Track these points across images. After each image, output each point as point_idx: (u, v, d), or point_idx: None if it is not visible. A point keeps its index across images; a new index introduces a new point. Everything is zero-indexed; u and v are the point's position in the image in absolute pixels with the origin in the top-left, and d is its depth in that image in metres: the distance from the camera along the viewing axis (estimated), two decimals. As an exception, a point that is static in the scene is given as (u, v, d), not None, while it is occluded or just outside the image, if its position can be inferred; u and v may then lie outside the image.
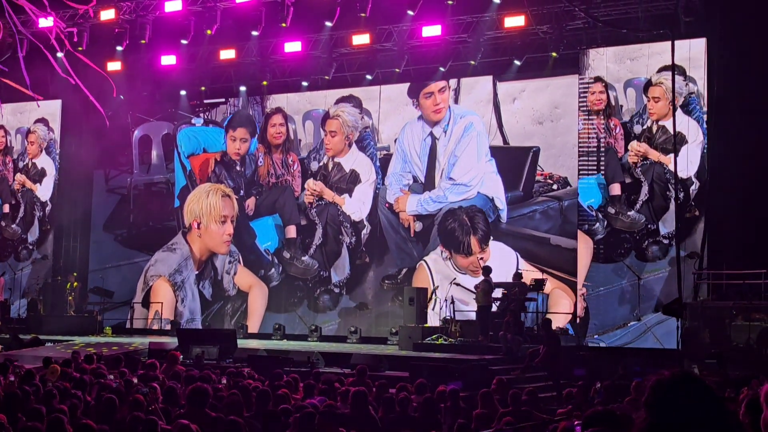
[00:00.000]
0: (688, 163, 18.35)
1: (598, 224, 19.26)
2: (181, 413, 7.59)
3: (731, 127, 17.81)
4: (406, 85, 22.31)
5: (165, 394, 9.02)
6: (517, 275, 18.39)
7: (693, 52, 18.40)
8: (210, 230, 24.00)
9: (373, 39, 21.25)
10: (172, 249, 24.48)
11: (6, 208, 26.45)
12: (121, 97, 23.15)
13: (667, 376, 2.81)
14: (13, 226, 26.29)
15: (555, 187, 20.36)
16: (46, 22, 18.82)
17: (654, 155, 19.00)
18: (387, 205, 22.23)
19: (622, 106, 19.46)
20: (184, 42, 21.98)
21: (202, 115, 24.91)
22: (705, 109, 18.43)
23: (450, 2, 19.33)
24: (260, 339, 21.61)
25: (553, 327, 16.98)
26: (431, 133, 21.81)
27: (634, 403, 8.18)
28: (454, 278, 20.45)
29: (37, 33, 18.74)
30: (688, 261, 17.86)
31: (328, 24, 20.71)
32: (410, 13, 20.09)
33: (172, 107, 25.15)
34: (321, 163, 23.12)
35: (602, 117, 19.47)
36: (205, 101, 24.78)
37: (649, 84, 19.09)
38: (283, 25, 20.39)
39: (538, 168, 20.54)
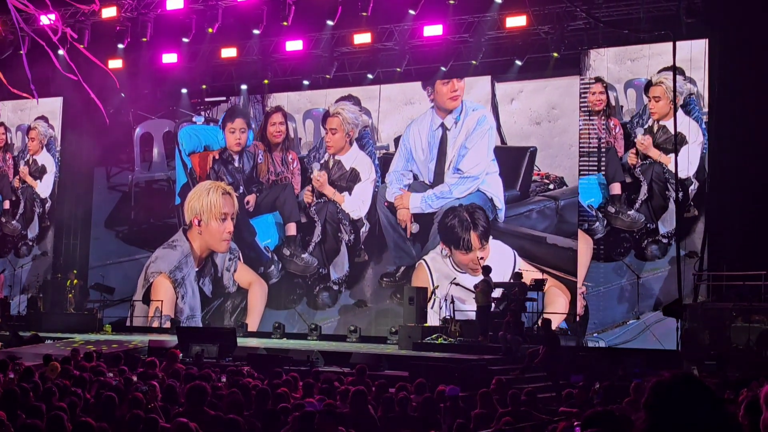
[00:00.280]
0: (687, 163, 18.41)
1: (597, 223, 19.35)
2: (180, 411, 7.59)
3: (732, 128, 17.82)
4: (405, 85, 22.36)
5: (164, 393, 9.03)
6: (517, 275, 18.42)
7: (693, 53, 18.43)
8: (210, 227, 24.04)
9: (375, 38, 21.24)
10: (172, 246, 24.53)
11: (6, 205, 26.51)
12: (123, 94, 23.16)
13: (666, 377, 2.81)
14: (14, 222, 26.35)
15: (551, 186, 20.52)
16: (47, 19, 18.79)
17: (654, 154, 19.07)
18: (386, 203, 22.26)
19: (622, 106, 19.53)
20: (185, 40, 21.97)
21: (203, 113, 24.96)
22: (704, 109, 18.49)
23: (451, 2, 19.32)
24: (260, 338, 21.63)
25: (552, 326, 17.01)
26: (442, 124, 21.83)
27: (633, 404, 8.19)
28: (454, 278, 20.48)
29: (39, 30, 18.73)
30: (688, 261, 17.90)
31: (330, 23, 20.69)
32: (411, 12, 20.08)
33: (173, 105, 25.19)
34: (322, 161, 23.18)
35: (602, 117, 19.54)
36: (206, 99, 24.81)
37: (649, 84, 19.14)
38: (285, 23, 20.39)
39: (535, 168, 20.67)
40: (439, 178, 21.72)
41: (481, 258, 20.01)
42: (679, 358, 16.02)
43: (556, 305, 19.43)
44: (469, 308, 19.19)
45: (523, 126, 20.97)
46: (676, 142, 17.96)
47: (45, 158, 26.13)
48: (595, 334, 18.94)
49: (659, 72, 18.99)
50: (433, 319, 19.79)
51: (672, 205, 18.61)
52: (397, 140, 22.48)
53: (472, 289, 18.60)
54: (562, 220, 20.19)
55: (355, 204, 22.69)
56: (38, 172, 26.23)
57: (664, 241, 18.75)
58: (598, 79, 19.64)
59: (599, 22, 19.10)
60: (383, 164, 22.48)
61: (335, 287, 22.66)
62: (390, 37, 21.43)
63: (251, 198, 23.96)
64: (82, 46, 20.08)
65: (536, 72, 20.69)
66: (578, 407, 9.40)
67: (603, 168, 19.44)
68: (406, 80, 22.24)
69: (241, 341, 18.82)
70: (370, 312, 22.13)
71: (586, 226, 19.48)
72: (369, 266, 22.40)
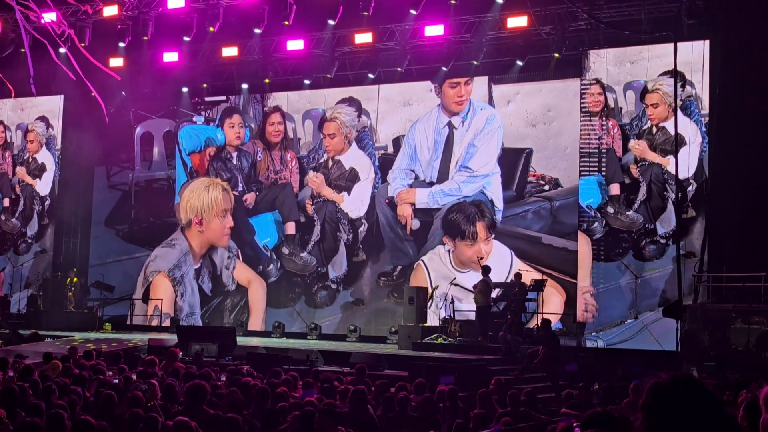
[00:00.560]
0: (685, 164, 18.47)
1: (596, 224, 19.43)
2: (180, 410, 7.59)
3: (733, 129, 17.81)
4: (404, 87, 22.44)
5: (164, 391, 9.03)
6: (517, 275, 18.44)
7: (692, 55, 18.46)
8: (212, 225, 24.15)
9: (376, 38, 21.24)
10: (171, 245, 24.58)
11: (6, 202, 26.55)
12: (123, 93, 23.15)
13: (665, 378, 2.81)
14: (13, 220, 26.41)
15: (546, 187, 20.69)
16: (50, 18, 18.80)
17: (652, 156, 19.14)
18: (387, 201, 22.28)
19: (621, 108, 19.61)
20: (186, 39, 21.99)
21: (203, 113, 24.98)
22: (703, 111, 18.57)
23: (453, 2, 19.33)
24: (260, 336, 21.64)
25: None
26: (449, 123, 21.87)
27: (631, 405, 8.19)
28: (454, 278, 20.51)
29: (40, 28, 18.74)
30: (687, 261, 17.93)
31: (331, 22, 20.71)
32: (413, 12, 20.10)
33: (173, 104, 25.20)
34: (321, 161, 23.22)
35: (601, 118, 19.61)
36: (207, 99, 24.82)
37: (645, 91, 19.21)
38: (286, 23, 20.40)
39: (531, 169, 20.79)
40: (443, 176, 21.77)
41: (481, 258, 20.02)
42: (679, 359, 16.03)
43: (550, 304, 19.49)
44: (468, 308, 19.20)
45: (519, 128, 21.14)
46: (677, 143, 17.97)
47: (44, 156, 26.17)
48: (593, 334, 19.06)
49: (658, 76, 19.07)
50: (432, 319, 19.82)
51: (670, 206, 18.74)
52: (395, 141, 22.55)
53: (471, 290, 18.61)
54: (556, 221, 20.46)
55: (354, 203, 22.74)
56: (38, 170, 26.26)
57: (662, 241, 18.88)
58: (596, 81, 19.72)
59: (600, 22, 19.11)
60: (383, 164, 22.51)
61: (333, 286, 22.75)
62: (391, 37, 21.43)
63: (250, 197, 24.00)
64: (82, 45, 20.12)
65: (537, 72, 20.74)
66: (578, 408, 9.40)
67: (603, 169, 19.51)
68: (407, 80, 22.25)
69: (241, 340, 18.82)
70: (368, 311, 22.19)
71: (584, 226, 19.56)
72: (367, 265, 22.50)
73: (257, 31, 21.29)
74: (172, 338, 18.65)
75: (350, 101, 23.02)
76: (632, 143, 19.30)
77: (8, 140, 26.77)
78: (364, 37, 21.22)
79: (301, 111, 23.75)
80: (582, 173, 19.73)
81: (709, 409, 2.76)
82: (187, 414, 6.96)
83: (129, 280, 24.96)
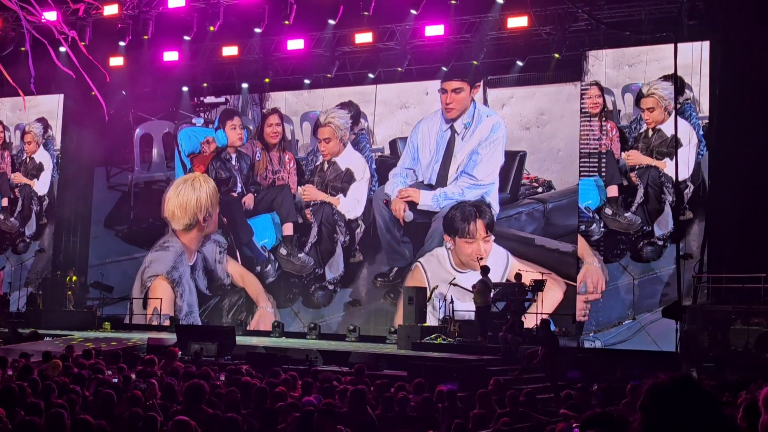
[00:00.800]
0: (682, 166, 18.46)
1: (594, 225, 19.45)
2: (179, 409, 7.59)
3: (732, 130, 17.79)
4: (401, 88, 22.46)
5: (163, 390, 9.03)
6: (517, 276, 18.44)
7: (692, 58, 18.46)
8: (213, 217, 24.28)
9: (376, 38, 21.25)
10: (165, 248, 24.66)
11: (5, 202, 26.56)
12: (123, 92, 23.14)
13: (663, 379, 2.80)
14: (12, 219, 26.42)
15: (540, 190, 20.83)
16: (51, 17, 18.80)
17: (647, 160, 19.19)
18: (384, 201, 22.29)
19: (620, 110, 19.64)
20: (186, 38, 22.01)
21: (202, 114, 24.99)
22: (701, 114, 18.61)
23: (453, 2, 19.34)
24: (259, 336, 21.65)
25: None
26: (451, 127, 21.89)
27: (630, 405, 8.19)
28: (453, 278, 20.51)
29: (40, 27, 18.73)
30: (685, 262, 17.94)
31: (331, 22, 20.72)
32: (413, 12, 20.10)
33: (173, 104, 25.21)
34: (317, 163, 23.26)
35: (600, 120, 19.64)
36: (206, 101, 24.83)
37: (641, 96, 19.23)
38: (286, 22, 20.41)
39: (525, 171, 20.88)
40: (442, 179, 21.78)
41: (480, 258, 20.03)
42: (678, 360, 16.03)
43: (549, 298, 19.51)
44: (468, 308, 19.19)
45: (514, 131, 21.27)
46: (677, 146, 17.97)
47: (42, 156, 26.17)
48: (591, 334, 19.06)
49: (654, 81, 19.09)
50: (432, 319, 19.83)
51: (667, 209, 18.84)
52: (392, 143, 22.61)
53: (470, 290, 18.61)
54: (549, 223, 20.68)
55: (351, 204, 22.80)
56: (35, 170, 26.26)
57: (660, 243, 18.92)
58: (594, 83, 19.75)
59: (601, 23, 19.12)
60: (379, 166, 22.57)
61: (330, 287, 22.79)
62: (391, 37, 21.44)
63: (249, 198, 24.04)
64: (83, 44, 20.11)
65: (537, 73, 20.77)
66: (577, 409, 9.40)
67: (603, 170, 19.52)
68: (407, 80, 22.25)
69: (240, 340, 18.83)
70: (363, 310, 22.24)
71: (583, 227, 19.59)
72: (363, 266, 22.56)
73: (257, 30, 21.31)
74: (171, 337, 18.64)
75: (349, 105, 23.02)
76: (624, 155, 19.37)
77: (7, 140, 26.78)
78: (364, 37, 21.23)
79: (300, 113, 23.78)
80: (582, 174, 19.73)
81: (708, 410, 2.75)
82: (186, 413, 6.96)
83: (128, 280, 24.98)
